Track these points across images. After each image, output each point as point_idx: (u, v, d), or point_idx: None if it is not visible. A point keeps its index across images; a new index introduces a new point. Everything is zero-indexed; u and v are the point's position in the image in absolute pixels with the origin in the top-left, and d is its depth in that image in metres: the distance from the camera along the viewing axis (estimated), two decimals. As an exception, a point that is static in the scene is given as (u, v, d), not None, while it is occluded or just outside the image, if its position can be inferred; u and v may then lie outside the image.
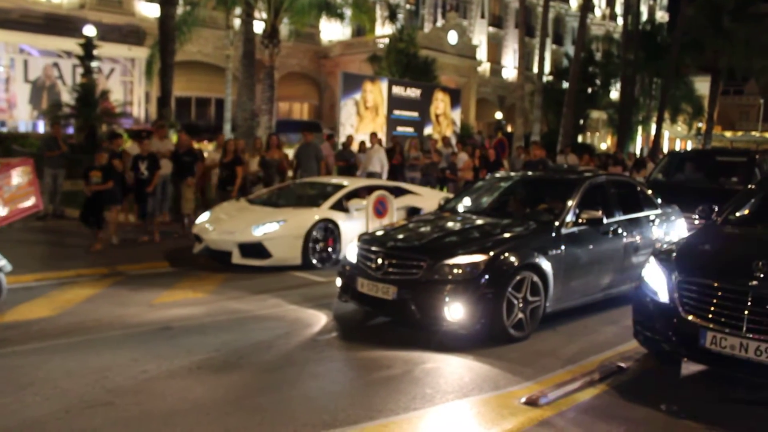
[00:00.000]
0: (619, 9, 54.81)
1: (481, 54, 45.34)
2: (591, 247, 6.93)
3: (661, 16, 57.78)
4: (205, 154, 13.29)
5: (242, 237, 8.99)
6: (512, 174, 9.26)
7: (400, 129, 23.02)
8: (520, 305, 6.09)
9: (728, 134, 57.00)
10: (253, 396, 4.72)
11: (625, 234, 7.38)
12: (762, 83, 51.59)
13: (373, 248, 6.51)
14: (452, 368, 5.44)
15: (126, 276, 8.67)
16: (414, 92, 24.14)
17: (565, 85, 32.18)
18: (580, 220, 6.85)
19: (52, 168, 12.60)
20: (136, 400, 4.55)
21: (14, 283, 7.43)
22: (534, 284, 6.21)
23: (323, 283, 8.48)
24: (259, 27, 21.33)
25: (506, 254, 6.08)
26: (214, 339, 5.99)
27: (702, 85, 41.54)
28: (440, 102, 25.27)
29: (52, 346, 5.71)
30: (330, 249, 9.52)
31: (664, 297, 5.02)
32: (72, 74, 26.26)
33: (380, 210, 9.64)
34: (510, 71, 48.33)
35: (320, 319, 6.83)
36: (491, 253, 6.03)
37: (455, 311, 5.84)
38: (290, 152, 14.82)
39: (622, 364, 5.53)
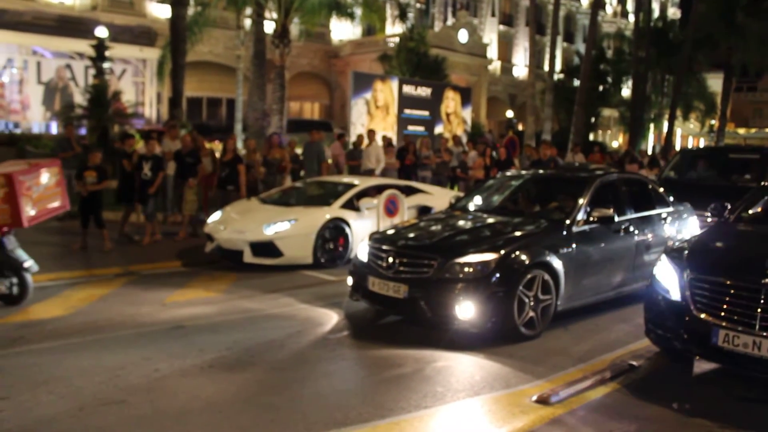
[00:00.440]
0: (630, 6, 54.57)
1: (492, 52, 45.23)
2: (602, 245, 6.91)
3: (673, 12, 57.41)
4: (216, 154, 13.31)
5: (253, 236, 9.02)
6: (523, 172, 9.24)
7: (410, 128, 22.98)
8: (531, 304, 6.08)
9: (741, 131, 56.59)
10: (265, 394, 4.74)
11: (636, 232, 7.35)
12: (775, 80, 51.25)
13: (384, 247, 6.52)
14: (463, 367, 5.45)
15: (138, 275, 8.72)
16: (425, 91, 24.09)
17: (576, 83, 32.03)
18: (591, 219, 6.83)
19: (66, 169, 12.67)
20: (149, 399, 4.59)
21: (29, 283, 7.49)
22: (545, 282, 6.20)
23: (334, 281, 8.50)
24: (269, 27, 21.40)
25: (517, 253, 6.08)
26: (226, 338, 6.02)
27: (715, 82, 41.21)
28: (451, 101, 25.20)
29: (65, 344, 5.76)
30: (341, 248, 9.54)
31: (676, 295, 5.00)
32: (84, 75, 26.44)
33: (391, 209, 9.64)
34: (521, 69, 48.20)
35: (331, 317, 6.85)
36: (502, 252, 6.03)
37: (466, 310, 5.84)
38: (300, 151, 14.86)
39: (634, 363, 5.51)
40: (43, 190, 7.37)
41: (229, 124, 30.28)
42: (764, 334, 4.46)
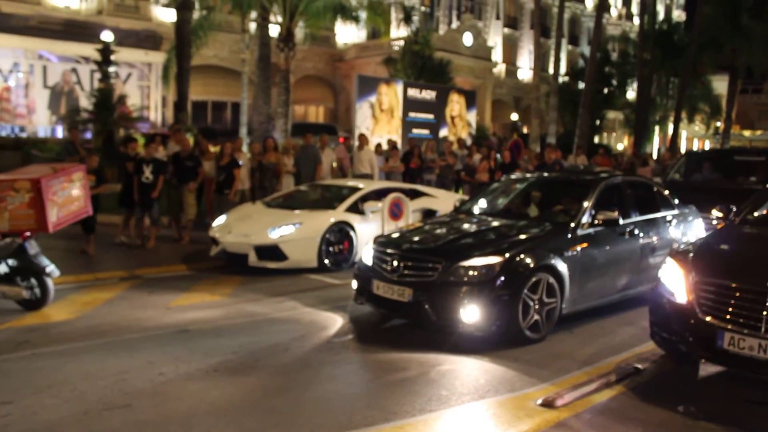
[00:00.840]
0: (635, 9, 54.50)
1: (497, 55, 45.22)
2: (607, 248, 6.89)
3: (678, 15, 57.32)
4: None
5: (258, 239, 9.03)
6: (528, 175, 9.23)
7: (415, 131, 23.00)
8: (536, 307, 6.07)
9: (747, 133, 56.34)
10: (270, 398, 4.74)
11: (641, 235, 7.34)
12: (781, 82, 51.10)
13: (389, 250, 6.52)
14: (468, 370, 5.44)
15: (143, 279, 8.74)
16: (429, 94, 24.11)
17: (581, 85, 31.99)
18: (596, 221, 6.81)
19: None
20: (154, 403, 4.59)
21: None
22: (550, 286, 6.19)
23: (339, 285, 8.50)
24: (274, 31, 21.45)
25: (522, 256, 6.07)
26: (230, 341, 6.02)
27: (720, 84, 41.12)
28: (455, 104, 25.21)
29: (70, 348, 5.78)
30: (346, 251, 9.55)
31: (681, 298, 4.98)
32: (90, 79, 26.57)
33: (396, 212, 9.64)
34: (525, 72, 48.18)
35: (336, 321, 6.85)
36: (507, 255, 6.02)
37: (471, 313, 5.83)
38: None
39: (639, 366, 5.49)
40: (69, 195, 7.42)
41: (234, 127, 30.34)
42: (770, 337, 4.43)
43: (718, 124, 42.94)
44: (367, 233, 9.36)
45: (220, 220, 10.00)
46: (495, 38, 46.34)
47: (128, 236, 10.83)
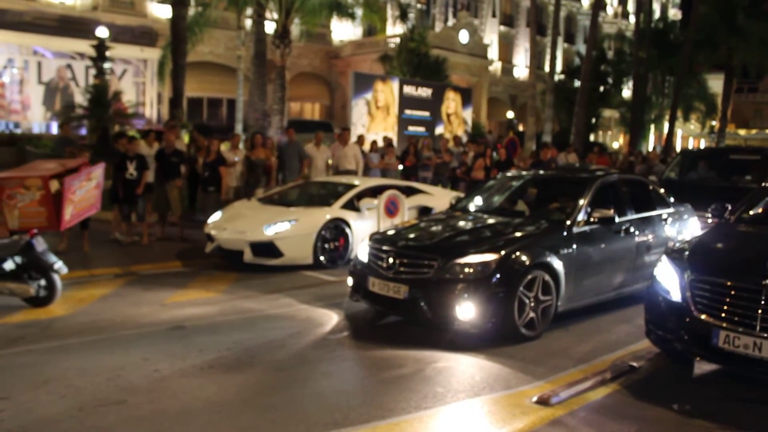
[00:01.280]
0: (631, 7, 54.61)
1: (493, 53, 45.22)
2: (603, 246, 6.91)
3: (674, 13, 57.40)
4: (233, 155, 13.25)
5: (254, 236, 9.02)
6: (524, 173, 9.23)
7: (411, 128, 23.00)
8: (532, 304, 6.07)
9: (742, 132, 56.54)
10: (265, 395, 4.73)
11: (637, 233, 7.35)
12: (776, 81, 51.23)
13: (385, 247, 6.52)
14: (463, 367, 5.44)
15: (139, 276, 8.73)
16: (425, 92, 24.11)
17: (577, 83, 32.01)
18: (591, 219, 6.82)
19: None
20: (149, 399, 4.58)
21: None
22: (545, 283, 6.20)
23: (334, 282, 8.50)
24: (270, 27, 21.37)
25: (518, 253, 6.07)
26: (226, 338, 6.02)
27: (715, 83, 41.20)
28: (451, 101, 25.21)
29: (66, 345, 5.76)
30: (341, 248, 9.54)
31: (676, 296, 4.99)
32: (85, 75, 26.47)
33: (391, 209, 9.64)
34: (521, 70, 48.20)
35: (332, 318, 6.85)
36: (502, 252, 6.02)
37: (466, 310, 5.83)
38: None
39: (634, 364, 5.50)
40: (84, 193, 7.41)
41: (229, 124, 30.28)
42: (765, 335, 4.45)
43: (714, 122, 43.05)
44: (362, 230, 9.36)
45: (215, 216, 9.97)
46: (491, 36, 46.34)
47: (122, 233, 10.80)
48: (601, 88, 37.41)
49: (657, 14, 47.89)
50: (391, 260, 6.33)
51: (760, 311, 4.50)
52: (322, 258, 9.30)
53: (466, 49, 39.77)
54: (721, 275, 4.88)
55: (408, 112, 23.25)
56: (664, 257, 5.43)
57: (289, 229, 9.12)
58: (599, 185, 7.28)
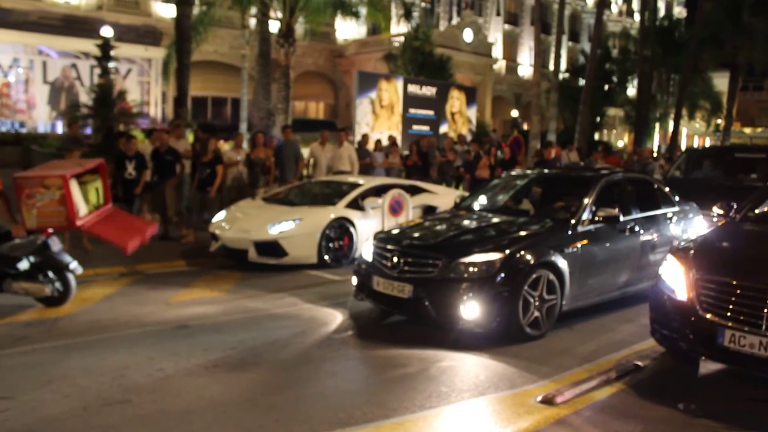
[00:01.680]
0: (635, 5, 54.46)
1: (497, 51, 45.17)
2: (608, 244, 6.89)
3: (679, 11, 57.20)
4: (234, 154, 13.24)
5: (258, 235, 9.02)
6: (528, 172, 9.22)
7: (415, 127, 22.96)
8: (536, 303, 6.06)
9: (748, 130, 56.32)
10: (269, 394, 4.73)
11: (642, 232, 7.33)
12: (782, 78, 51.04)
13: (389, 247, 6.51)
14: (468, 367, 5.43)
15: (143, 275, 8.74)
16: (429, 90, 24.06)
17: (582, 82, 31.93)
18: (596, 218, 6.80)
19: None
20: (153, 398, 4.59)
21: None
22: (550, 282, 6.18)
23: (339, 281, 8.49)
24: (274, 26, 21.40)
25: (522, 252, 6.06)
26: (230, 337, 6.02)
27: (720, 81, 41.06)
28: (456, 100, 25.16)
29: (70, 344, 5.77)
30: (346, 247, 9.54)
31: (681, 295, 4.97)
32: (90, 75, 26.54)
33: (396, 208, 9.63)
34: (526, 69, 48.13)
35: (336, 317, 6.85)
36: (507, 252, 6.01)
37: (471, 309, 5.82)
38: (305, 151, 14.81)
39: (639, 363, 5.49)
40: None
41: (234, 123, 30.31)
42: (771, 334, 4.42)
43: (719, 121, 42.88)
44: (367, 229, 9.36)
45: (219, 215, 9.98)
46: (495, 34, 46.29)
47: None
48: (606, 87, 37.30)
49: (662, 12, 47.79)
50: (395, 259, 6.32)
51: (765, 310, 4.47)
52: (326, 257, 9.30)
53: (470, 48, 39.76)
54: (727, 274, 4.85)
55: (412, 110, 23.22)
56: (669, 256, 5.41)
57: (294, 228, 9.12)
58: (604, 184, 7.26)
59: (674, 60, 35.87)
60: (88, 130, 19.84)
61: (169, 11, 27.58)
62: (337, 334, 6.31)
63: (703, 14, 31.16)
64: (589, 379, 5.09)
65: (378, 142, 16.31)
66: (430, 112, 23.91)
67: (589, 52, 28.91)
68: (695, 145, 49.05)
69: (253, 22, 25.04)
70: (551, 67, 30.27)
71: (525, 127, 37.88)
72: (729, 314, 4.65)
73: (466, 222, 7.15)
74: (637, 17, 45.45)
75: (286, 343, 5.96)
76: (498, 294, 5.84)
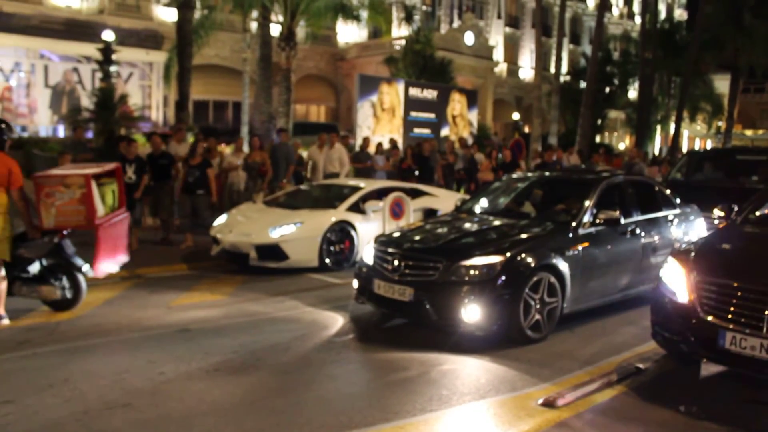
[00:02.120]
0: (636, 8, 54.44)
1: (498, 54, 45.17)
2: (609, 247, 6.88)
3: (680, 14, 57.20)
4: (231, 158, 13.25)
5: (259, 239, 9.03)
6: (529, 175, 9.22)
7: (416, 130, 22.98)
8: (537, 306, 6.06)
9: (749, 133, 56.28)
10: (270, 397, 4.73)
11: (643, 234, 7.32)
12: (784, 81, 51.02)
13: (390, 250, 6.51)
14: (469, 370, 5.43)
15: (144, 278, 8.75)
16: (431, 93, 24.07)
17: (583, 84, 31.93)
18: (597, 221, 6.80)
19: None
20: (154, 402, 4.59)
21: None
22: (551, 285, 6.18)
23: (340, 284, 8.49)
24: (275, 30, 21.42)
25: (523, 255, 6.06)
26: (231, 341, 6.02)
27: (722, 84, 41.04)
28: (457, 103, 25.17)
29: (71, 348, 5.77)
30: (347, 251, 9.54)
31: (682, 297, 4.97)
32: (91, 79, 26.56)
33: (397, 211, 9.63)
34: (527, 71, 48.13)
35: (337, 320, 6.85)
36: (508, 254, 6.01)
37: (472, 312, 5.82)
38: (305, 153, 14.83)
39: (641, 366, 5.48)
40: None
41: (235, 126, 30.33)
42: (772, 336, 4.42)
43: (720, 123, 42.87)
44: (368, 232, 9.35)
45: (220, 219, 9.99)
46: (496, 37, 46.28)
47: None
48: (607, 89, 37.29)
49: (663, 15, 47.75)
50: (396, 262, 6.32)
51: (767, 312, 4.47)
52: (327, 260, 9.30)
53: (471, 51, 39.76)
54: (728, 276, 4.85)
55: (413, 114, 23.22)
56: (670, 258, 5.40)
57: (295, 231, 9.12)
58: (605, 186, 7.26)
59: (675, 62, 35.85)
60: (90, 134, 19.86)
61: (171, 15, 27.60)
62: (338, 337, 6.31)
63: (704, 16, 31.17)
64: (591, 382, 5.09)
65: (379, 145, 16.34)
66: (432, 115, 23.92)
67: (590, 54, 28.92)
68: (696, 148, 49.00)
69: (254, 25, 25.09)
70: (552, 69, 30.28)
71: (526, 129, 37.88)
72: (730, 316, 4.65)
73: (467, 225, 7.15)
74: (638, 20, 45.42)
75: (287, 346, 5.96)
76: (499, 297, 5.83)
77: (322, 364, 5.50)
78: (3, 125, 6.53)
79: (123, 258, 7.61)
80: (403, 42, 32.38)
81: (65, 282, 6.88)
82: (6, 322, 6.39)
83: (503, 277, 5.88)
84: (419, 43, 30.63)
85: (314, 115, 39.23)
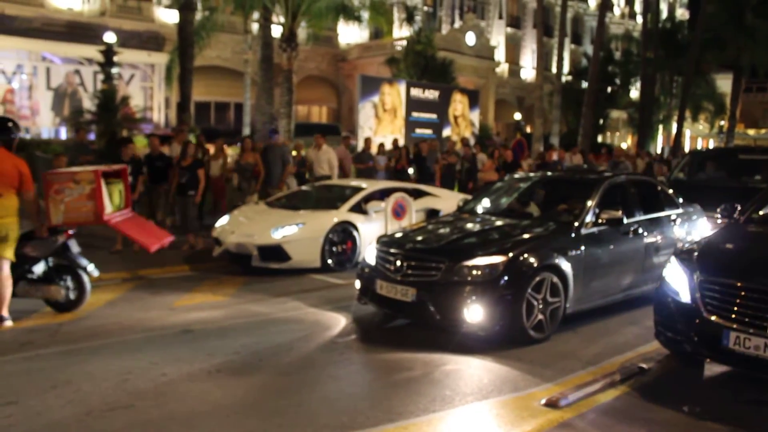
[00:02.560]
0: (638, 7, 54.38)
1: (499, 55, 45.17)
2: (611, 247, 6.87)
3: (681, 13, 57.18)
4: (229, 159, 13.25)
5: (261, 240, 9.02)
6: (531, 174, 9.21)
7: (418, 131, 22.99)
8: (540, 306, 6.05)
9: (751, 132, 56.23)
10: (273, 398, 4.73)
11: (645, 234, 7.31)
12: (786, 80, 50.94)
13: (392, 250, 6.50)
14: (472, 370, 5.42)
15: (147, 280, 8.75)
16: (432, 94, 24.10)
17: (584, 84, 31.94)
18: (600, 221, 6.79)
19: None
20: (157, 403, 4.58)
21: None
22: (554, 285, 6.17)
23: (342, 285, 8.48)
24: (277, 31, 21.44)
25: (526, 255, 6.05)
26: (233, 342, 6.01)
27: (724, 83, 41.02)
28: (458, 103, 25.19)
29: (74, 349, 5.78)
30: (349, 251, 9.53)
31: (686, 297, 4.96)
32: (93, 81, 26.63)
33: (399, 212, 9.63)
34: (528, 72, 48.12)
35: (339, 321, 6.84)
36: (510, 254, 6.00)
37: (475, 313, 5.81)
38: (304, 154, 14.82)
39: (644, 366, 5.47)
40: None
41: (237, 128, 30.38)
42: (776, 336, 4.41)
43: (722, 122, 42.86)
44: (370, 233, 9.35)
45: (223, 220, 9.99)
46: (498, 38, 46.29)
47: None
48: (609, 89, 37.31)
49: (664, 14, 47.76)
50: (398, 263, 6.32)
51: (770, 312, 4.46)
52: (329, 261, 9.30)
53: (472, 51, 39.76)
54: (731, 276, 4.84)
55: (415, 114, 23.25)
56: (673, 258, 5.39)
57: (297, 232, 9.12)
58: (607, 186, 7.24)
59: (677, 62, 35.86)
60: (92, 136, 19.89)
61: (172, 17, 27.65)
62: (340, 338, 6.30)
63: (705, 16, 31.19)
64: (593, 382, 5.07)
65: (381, 145, 16.34)
66: (433, 116, 23.94)
67: (592, 54, 28.92)
68: (699, 147, 48.97)
69: (255, 27, 25.11)
70: (554, 69, 30.30)
71: (528, 130, 37.87)
72: (733, 316, 4.64)
73: (469, 225, 7.15)
74: (639, 19, 45.39)
75: (290, 347, 5.95)
76: (501, 297, 5.83)
77: (325, 364, 5.49)
78: (11, 124, 6.51)
79: (167, 238, 7.85)
80: (404, 43, 32.40)
81: (70, 282, 6.88)
82: (9, 323, 6.39)
83: (506, 277, 5.87)
84: (420, 44, 30.64)
85: (316, 116, 39.26)
